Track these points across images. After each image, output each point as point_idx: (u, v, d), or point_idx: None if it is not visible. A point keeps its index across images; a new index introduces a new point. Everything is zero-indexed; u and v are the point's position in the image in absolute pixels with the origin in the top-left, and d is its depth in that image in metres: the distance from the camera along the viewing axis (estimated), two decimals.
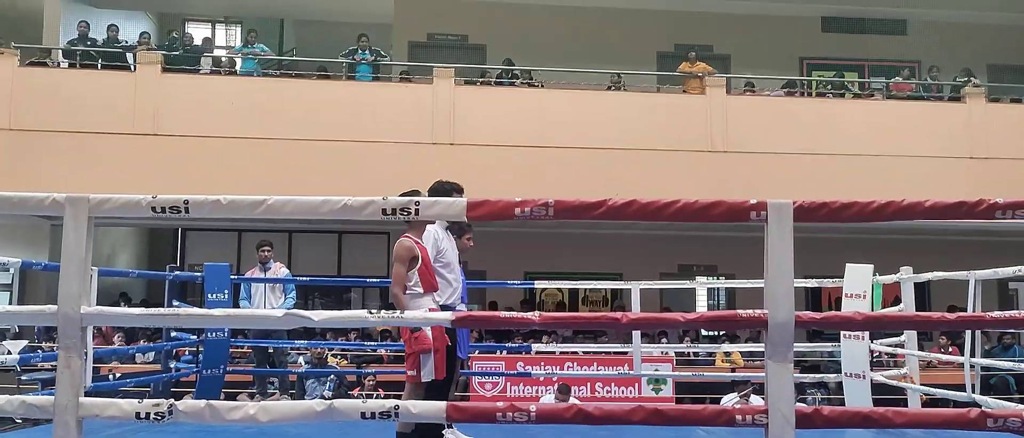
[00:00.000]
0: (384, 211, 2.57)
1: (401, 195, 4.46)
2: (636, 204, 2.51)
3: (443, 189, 4.79)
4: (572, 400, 8.23)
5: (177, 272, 7.49)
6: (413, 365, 4.25)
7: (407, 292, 4.33)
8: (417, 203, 2.58)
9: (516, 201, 2.56)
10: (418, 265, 4.30)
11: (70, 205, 2.54)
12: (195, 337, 7.79)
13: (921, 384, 6.73)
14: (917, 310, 6.96)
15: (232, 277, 7.30)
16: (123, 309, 3.15)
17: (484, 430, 6.32)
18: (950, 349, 10.72)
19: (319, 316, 2.52)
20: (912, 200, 2.51)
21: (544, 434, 6.64)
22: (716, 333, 11.98)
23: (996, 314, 2.50)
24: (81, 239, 2.51)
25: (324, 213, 2.55)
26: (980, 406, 6.01)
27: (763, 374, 2.59)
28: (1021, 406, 4.49)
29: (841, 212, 2.54)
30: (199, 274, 7.38)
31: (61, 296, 2.50)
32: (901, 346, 6.93)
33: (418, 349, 4.10)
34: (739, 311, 2.57)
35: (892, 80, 12.88)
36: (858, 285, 6.71)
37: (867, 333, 6.63)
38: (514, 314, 2.63)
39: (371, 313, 2.66)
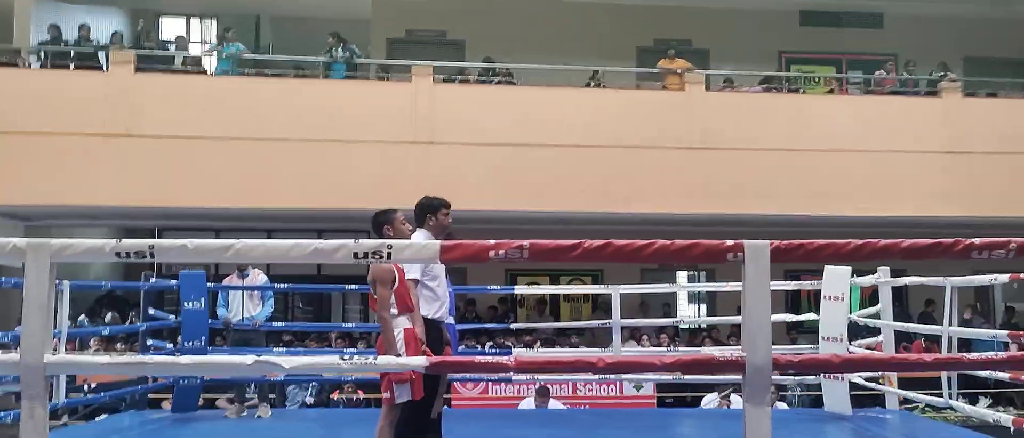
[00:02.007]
0: (356, 255, 2.52)
1: (377, 214, 4.46)
2: (612, 246, 2.47)
3: (430, 205, 4.78)
4: (552, 402, 8.22)
5: (153, 281, 7.38)
6: (388, 387, 4.20)
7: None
8: (390, 246, 2.53)
9: (490, 244, 2.51)
10: (395, 286, 4.24)
11: (31, 251, 2.47)
12: (172, 346, 7.72)
13: (899, 386, 6.77)
14: (894, 309, 7.02)
15: (209, 285, 7.22)
16: (88, 358, 3.07)
17: (479, 428, 6.34)
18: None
19: (290, 363, 2.47)
20: (888, 241, 2.48)
21: (535, 433, 6.66)
22: (698, 327, 12.03)
23: (974, 356, 2.49)
24: (43, 286, 2.44)
25: (294, 257, 2.49)
26: (956, 411, 6.07)
27: (742, 353, 2.54)
28: None
29: (818, 253, 2.51)
30: (175, 282, 7.29)
31: (24, 345, 2.43)
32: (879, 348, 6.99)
33: (395, 378, 4.05)
34: (716, 354, 2.55)
35: (875, 75, 12.90)
36: (836, 287, 6.74)
37: (845, 336, 6.68)
38: (489, 358, 2.59)
39: (343, 359, 2.61)
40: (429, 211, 4.77)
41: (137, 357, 3.18)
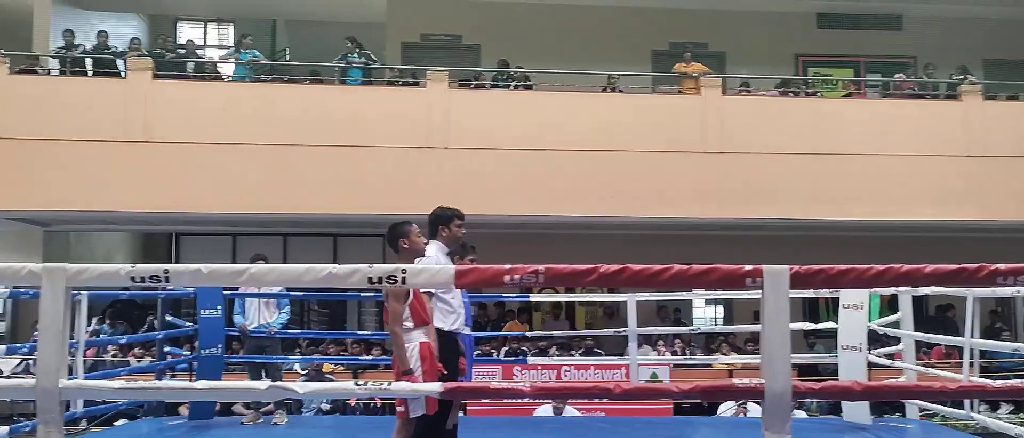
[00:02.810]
0: (370, 279, 2.50)
1: (392, 228, 4.45)
2: (628, 271, 2.43)
3: (443, 216, 4.78)
4: (568, 410, 8.19)
5: (169, 289, 7.40)
6: (402, 401, 4.18)
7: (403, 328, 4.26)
8: (404, 271, 2.51)
9: (505, 269, 2.48)
10: (409, 300, 4.22)
11: (46, 275, 2.47)
12: (189, 353, 7.75)
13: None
14: (914, 316, 6.93)
15: (225, 292, 7.24)
16: (104, 383, 3.07)
17: (487, 431, 6.32)
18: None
19: (304, 389, 2.46)
20: (911, 267, 2.43)
21: (537, 434, 6.64)
22: (714, 333, 11.95)
23: (999, 383, 2.44)
24: (58, 310, 2.44)
25: (308, 281, 2.48)
26: (976, 421, 5.99)
27: (761, 380, 2.52)
28: None
29: (839, 278, 2.46)
30: (192, 290, 7.32)
31: (39, 370, 2.43)
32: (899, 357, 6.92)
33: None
34: (735, 382, 2.51)
35: (893, 79, 12.75)
36: (855, 295, 6.67)
37: (865, 344, 6.61)
38: (505, 385, 2.57)
39: (358, 384, 2.60)
40: (442, 222, 4.76)
41: (152, 383, 3.17)
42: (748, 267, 2.42)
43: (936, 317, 12.01)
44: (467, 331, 5.32)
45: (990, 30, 14.24)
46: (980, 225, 11.68)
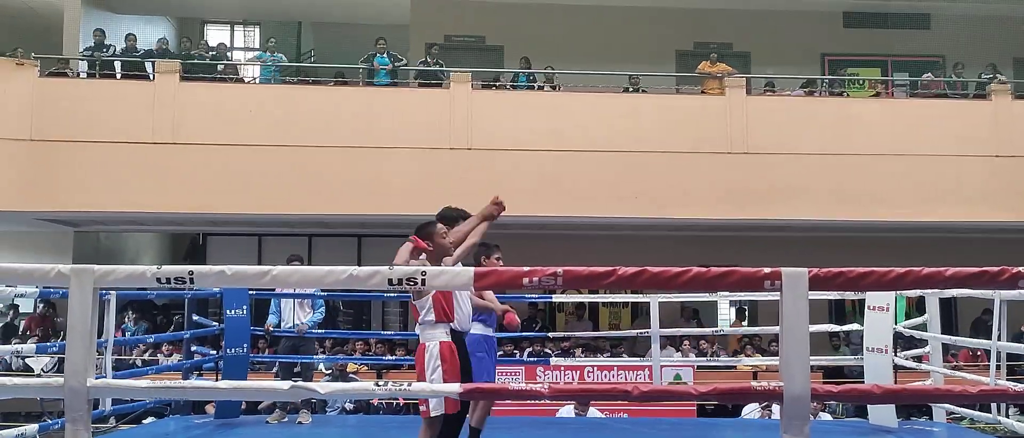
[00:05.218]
0: (390, 281, 2.53)
1: (418, 228, 4.47)
2: (647, 273, 2.44)
3: (449, 217, 4.80)
4: (592, 411, 8.18)
5: (195, 290, 7.49)
6: (425, 400, 4.21)
7: (421, 322, 4.30)
8: (424, 273, 2.53)
9: (524, 270, 2.49)
10: (433, 293, 4.24)
11: (75, 276, 2.52)
12: (216, 353, 7.84)
13: None
14: (942, 323, 6.85)
15: (253, 292, 7.30)
16: (130, 382, 3.14)
17: (500, 431, 6.33)
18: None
19: (325, 389, 2.49)
20: (932, 269, 2.42)
21: (560, 435, 6.64)
22: (738, 336, 11.90)
23: (1022, 387, 2.42)
24: (86, 311, 2.49)
25: (329, 283, 2.52)
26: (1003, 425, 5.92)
27: (779, 382, 2.51)
28: None
29: (859, 281, 2.45)
30: (217, 290, 7.40)
31: (67, 369, 2.49)
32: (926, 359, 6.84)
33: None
34: (754, 384, 2.51)
35: (921, 78, 12.59)
36: (881, 297, 6.60)
37: (890, 346, 6.55)
38: (523, 387, 2.59)
39: (378, 385, 2.63)
40: (447, 223, 4.72)
41: (176, 382, 3.23)
42: (767, 269, 2.42)
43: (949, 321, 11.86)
44: (490, 331, 5.34)
45: (1020, 29, 14.02)
46: (1010, 226, 11.52)
